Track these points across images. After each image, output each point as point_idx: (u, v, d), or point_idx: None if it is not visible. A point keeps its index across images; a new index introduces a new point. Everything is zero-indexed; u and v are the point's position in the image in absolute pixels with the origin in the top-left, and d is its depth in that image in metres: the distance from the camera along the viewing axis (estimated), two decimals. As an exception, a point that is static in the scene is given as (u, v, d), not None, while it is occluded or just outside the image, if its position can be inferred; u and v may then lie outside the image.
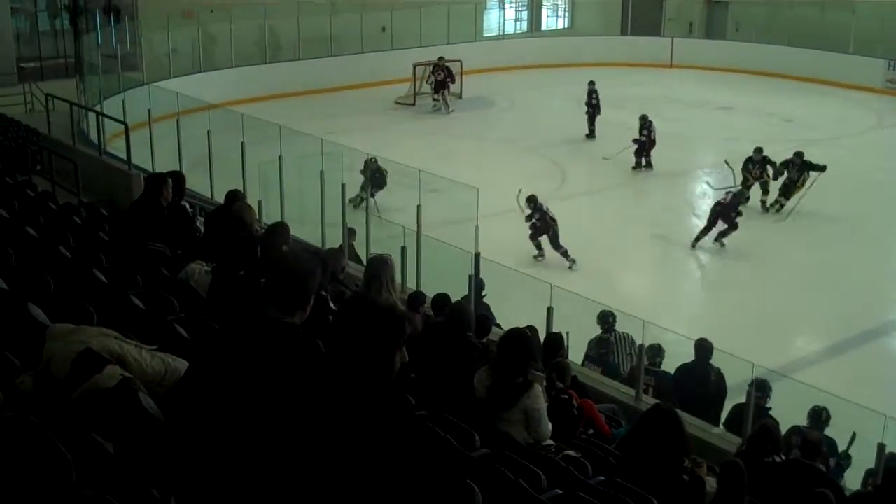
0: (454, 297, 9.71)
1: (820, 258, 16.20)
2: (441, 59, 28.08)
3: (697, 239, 16.99)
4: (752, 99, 28.88)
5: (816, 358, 13.17)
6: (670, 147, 23.35)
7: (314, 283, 3.85)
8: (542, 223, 16.16)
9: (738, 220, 16.74)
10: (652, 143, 21.74)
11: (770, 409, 9.55)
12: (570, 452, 6.39)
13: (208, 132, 15.47)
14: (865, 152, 23.73)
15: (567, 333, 9.84)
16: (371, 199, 15.67)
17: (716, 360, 10.37)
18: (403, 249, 11.98)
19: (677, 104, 28.75)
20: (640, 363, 10.08)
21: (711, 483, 6.28)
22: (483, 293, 11.74)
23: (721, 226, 16.82)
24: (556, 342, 9.16)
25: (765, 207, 18.76)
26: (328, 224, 14.04)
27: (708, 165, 22.93)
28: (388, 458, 3.10)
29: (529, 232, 16.22)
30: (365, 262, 11.25)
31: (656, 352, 10.74)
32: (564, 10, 40.22)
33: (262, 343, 3.58)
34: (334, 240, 13.26)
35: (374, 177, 16.32)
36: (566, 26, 39.89)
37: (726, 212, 16.75)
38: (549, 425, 6.42)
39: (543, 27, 39.87)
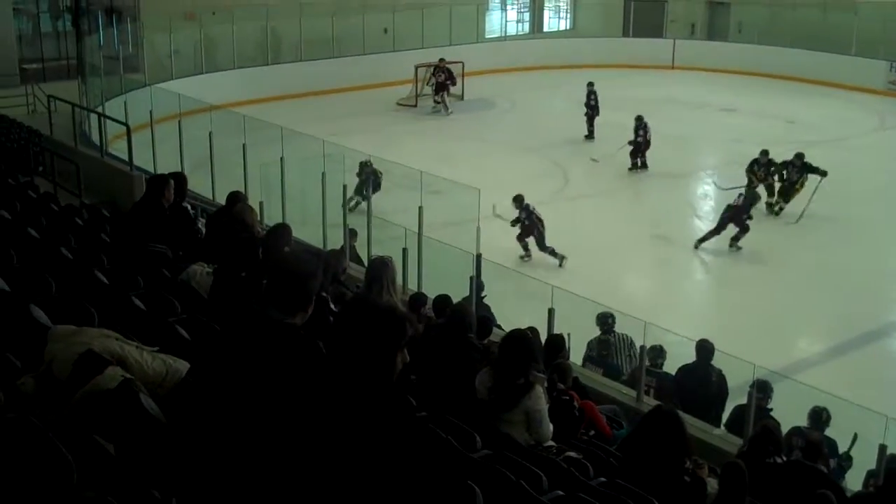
0: (455, 299, 9.72)
1: (821, 259, 16.19)
2: (442, 60, 28.08)
3: (703, 240, 16.95)
4: (754, 100, 28.86)
5: (818, 359, 13.16)
6: (673, 148, 23.38)
7: (315, 285, 3.85)
8: (529, 223, 16.12)
9: (749, 222, 16.69)
10: (647, 143, 21.72)
11: (771, 410, 9.54)
12: (572, 453, 6.39)
13: (210, 134, 15.48)
14: (868, 154, 23.72)
15: (568, 335, 9.85)
16: (364, 202, 15.50)
17: (717, 361, 10.36)
18: (405, 251, 11.98)
19: (679, 106, 28.74)
20: (641, 364, 10.08)
21: (713, 484, 6.27)
22: (483, 294, 11.74)
23: (732, 229, 16.77)
24: (557, 343, 9.17)
25: (771, 210, 18.70)
26: (329, 225, 14.05)
27: (710, 167, 22.95)
28: (389, 459, 3.10)
29: (517, 232, 16.16)
30: (366, 264, 11.24)
31: (657, 353, 10.74)
32: (566, 12, 40.22)
33: (264, 344, 3.58)
34: (336, 241, 13.27)
35: (369, 179, 16.16)
36: (568, 28, 39.89)
37: (738, 214, 16.70)
38: (551, 426, 6.42)
39: (545, 28, 39.87)
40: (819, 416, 9.24)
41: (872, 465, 8.50)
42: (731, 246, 16.77)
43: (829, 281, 15.55)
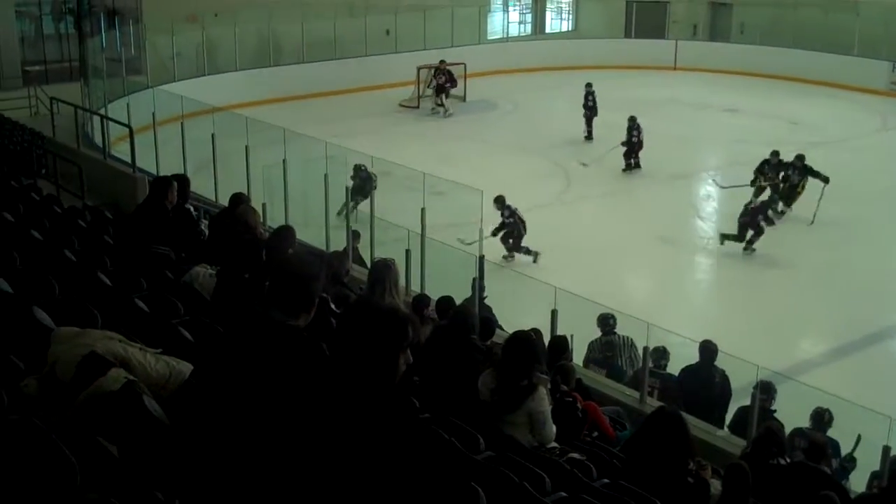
0: (458, 300, 9.72)
1: (824, 260, 16.18)
2: (442, 62, 28.09)
3: (726, 237, 16.90)
4: (757, 101, 28.84)
5: (821, 360, 13.15)
6: (675, 149, 23.39)
7: (318, 286, 3.85)
8: (512, 223, 16.08)
9: (765, 224, 16.65)
10: (640, 144, 21.69)
11: (775, 411, 9.54)
12: (575, 455, 6.38)
13: (212, 135, 15.49)
14: (870, 154, 23.70)
15: (571, 336, 9.84)
16: (361, 204, 15.39)
17: (720, 363, 10.37)
18: (408, 252, 11.98)
19: (682, 107, 28.74)
20: (644, 365, 10.07)
21: (716, 485, 6.27)
22: (484, 295, 11.74)
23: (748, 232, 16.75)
24: (560, 345, 9.16)
25: (774, 212, 18.61)
26: (332, 227, 14.08)
27: (713, 168, 22.93)
28: (393, 460, 3.10)
29: (501, 233, 16.08)
30: (369, 265, 11.25)
31: (661, 354, 10.74)
32: (568, 13, 40.20)
33: (266, 346, 3.58)
34: (338, 242, 13.27)
35: (365, 183, 16.05)
36: (570, 29, 39.87)
37: (754, 216, 16.66)
38: (554, 428, 6.42)
39: (547, 30, 39.86)
40: (821, 417, 9.24)
41: (876, 467, 8.49)
42: (745, 249, 16.71)
43: (832, 282, 15.55)
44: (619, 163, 21.72)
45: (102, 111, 19.32)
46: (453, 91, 28.34)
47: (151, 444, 3.57)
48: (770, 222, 16.71)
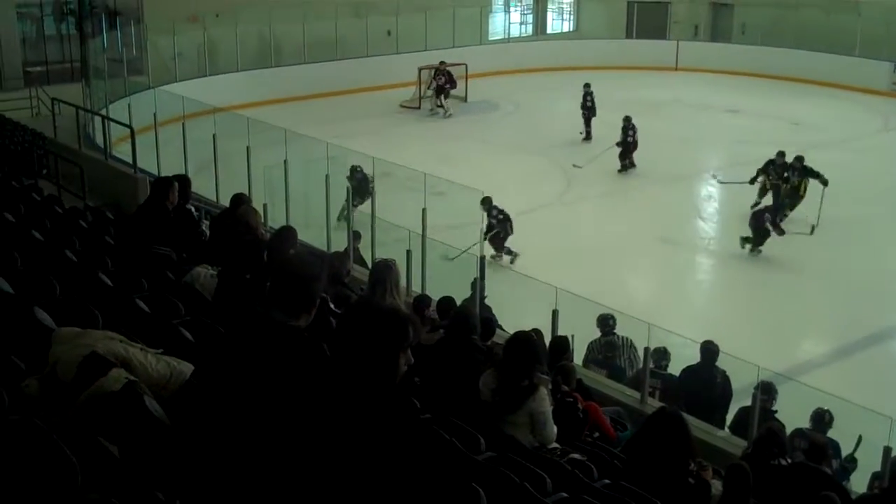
0: (459, 301, 9.73)
1: (825, 261, 16.16)
2: (442, 63, 28.09)
3: (747, 238, 16.77)
4: (758, 102, 28.84)
5: (822, 361, 13.14)
6: (677, 150, 23.41)
7: (319, 287, 3.85)
8: (500, 223, 15.99)
9: (771, 228, 16.54)
10: (635, 144, 21.66)
11: (776, 411, 9.54)
12: (576, 455, 6.38)
13: (214, 136, 15.50)
14: (872, 155, 23.69)
15: (572, 336, 9.84)
16: (357, 207, 15.18)
17: (721, 363, 10.37)
18: (409, 253, 11.99)
19: (683, 107, 28.75)
20: (645, 366, 10.07)
21: (717, 486, 6.27)
22: (484, 295, 11.74)
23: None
24: (561, 345, 9.16)
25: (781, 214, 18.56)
26: (333, 227, 14.09)
27: (714, 168, 22.92)
28: (393, 460, 3.10)
29: (490, 233, 15.86)
30: (370, 266, 11.25)
31: (661, 355, 10.73)
32: (569, 14, 40.20)
33: (267, 346, 3.58)
34: (339, 243, 13.28)
35: (361, 184, 15.88)
36: (571, 30, 39.86)
37: (759, 219, 16.62)
38: (555, 428, 6.42)
39: (549, 30, 39.87)
40: (821, 418, 9.24)
41: (877, 468, 8.49)
42: (752, 251, 16.63)
43: (833, 282, 15.54)
44: (616, 163, 21.70)
45: (104, 112, 19.33)
46: (454, 92, 28.35)
47: (152, 445, 3.57)
48: (780, 231, 16.59)
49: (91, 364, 4.17)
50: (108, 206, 12.07)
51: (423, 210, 12.49)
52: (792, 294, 15.42)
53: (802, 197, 18.16)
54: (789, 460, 7.30)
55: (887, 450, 8.25)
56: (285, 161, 14.20)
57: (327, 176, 13.82)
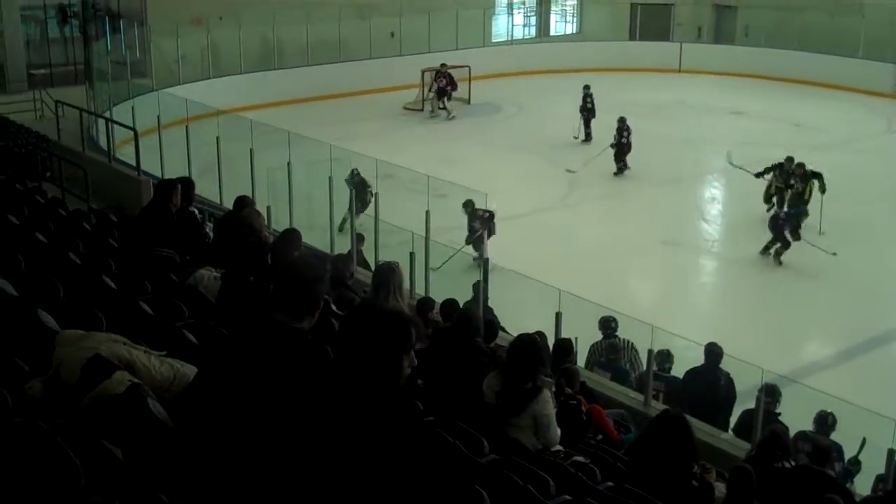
0: (461, 303, 9.73)
1: (829, 263, 16.13)
2: (443, 65, 28.08)
3: (779, 254, 16.49)
4: (762, 103, 28.80)
5: (826, 363, 13.13)
6: (680, 152, 23.39)
7: (322, 289, 3.85)
8: (483, 225, 15.69)
9: (790, 237, 16.41)
10: (629, 146, 21.54)
11: (779, 414, 9.53)
12: (579, 458, 6.38)
13: (217, 138, 15.50)
14: (875, 157, 23.66)
15: (575, 339, 9.84)
16: (359, 217, 15.07)
17: (725, 365, 10.36)
18: (412, 255, 11.98)
19: (687, 109, 28.73)
20: (648, 368, 10.06)
21: (720, 489, 6.27)
22: (486, 297, 11.73)
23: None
24: (565, 348, 9.16)
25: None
26: (336, 229, 14.10)
27: (717, 170, 22.91)
28: (397, 463, 3.10)
29: (475, 235, 15.67)
30: (373, 268, 11.26)
31: (664, 357, 10.72)
32: (573, 16, 40.18)
33: (271, 348, 3.58)
34: (343, 245, 13.28)
35: (359, 189, 15.66)
36: (575, 31, 39.84)
37: (779, 227, 16.49)
38: (558, 431, 6.42)
39: (552, 32, 39.84)
40: (825, 421, 9.23)
41: (880, 470, 8.49)
42: (775, 259, 16.47)
43: (836, 284, 15.52)
44: (611, 165, 21.65)
45: (107, 114, 19.31)
46: (457, 94, 28.34)
47: (156, 447, 3.58)
48: (797, 237, 16.45)
49: (95, 366, 4.18)
50: (111, 208, 12.07)
51: (427, 212, 12.50)
52: (795, 296, 15.41)
53: (808, 201, 18.06)
54: (793, 463, 7.29)
55: (891, 452, 8.25)
56: (288, 163, 14.22)
57: (330, 178, 13.82)
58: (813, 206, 17.60)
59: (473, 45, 32.58)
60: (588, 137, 24.30)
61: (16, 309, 5.26)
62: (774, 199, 18.34)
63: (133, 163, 14.42)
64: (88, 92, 22.65)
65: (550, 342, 9.26)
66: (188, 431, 3.62)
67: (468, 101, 29.02)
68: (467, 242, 15.18)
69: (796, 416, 9.39)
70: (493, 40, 36.45)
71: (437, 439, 5.32)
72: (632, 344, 11.13)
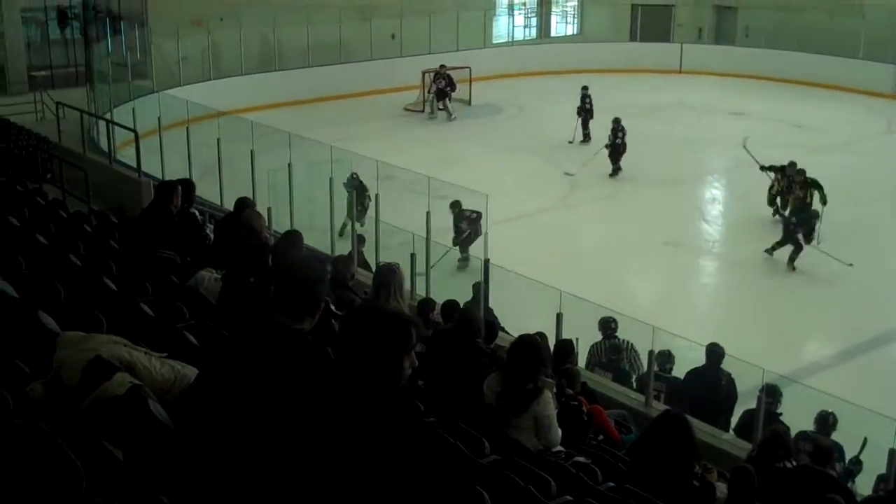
0: (462, 303, 9.73)
1: (830, 264, 16.12)
2: (442, 66, 28.07)
3: (792, 259, 16.37)
4: (763, 104, 28.78)
5: (827, 363, 13.13)
6: (681, 153, 23.37)
7: (323, 290, 3.85)
8: (470, 225, 15.64)
9: (801, 240, 16.31)
10: (624, 146, 21.48)
11: (781, 414, 9.53)
12: (580, 458, 6.38)
13: (218, 140, 15.51)
14: (876, 157, 23.64)
15: (576, 340, 9.84)
16: (359, 222, 15.12)
17: (726, 365, 10.36)
18: (413, 256, 11.99)
19: (687, 110, 28.73)
20: (649, 369, 10.06)
21: (722, 489, 6.27)
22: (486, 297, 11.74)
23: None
24: (566, 349, 9.16)
25: (780, 215, 18.44)
26: (337, 230, 14.10)
27: (718, 171, 22.93)
28: (398, 464, 3.10)
29: (462, 236, 15.61)
30: (374, 269, 11.26)
31: (665, 358, 10.72)
32: (573, 17, 40.19)
33: (272, 350, 3.58)
34: (344, 247, 13.28)
35: (359, 193, 15.57)
36: (575, 33, 39.86)
37: (793, 231, 16.40)
38: (559, 431, 6.42)
39: (552, 34, 39.85)
40: (826, 421, 9.23)
41: (882, 470, 8.48)
42: (788, 265, 16.34)
43: (837, 285, 15.51)
44: (607, 167, 21.61)
45: (108, 116, 19.33)
46: (458, 95, 28.34)
47: (156, 449, 3.58)
48: (810, 239, 16.32)
49: (95, 368, 4.18)
50: (112, 210, 12.07)
51: (427, 213, 12.51)
52: (796, 296, 15.41)
53: (810, 205, 17.96)
54: (794, 463, 7.29)
55: (892, 452, 8.25)
56: (289, 164, 14.22)
57: (331, 179, 13.83)
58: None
59: (474, 47, 32.58)
60: (586, 138, 24.27)
61: (16, 310, 5.26)
62: (778, 201, 18.33)
63: (134, 164, 14.42)
64: (89, 93, 22.66)
65: (551, 343, 9.27)
66: (189, 433, 3.62)
67: (469, 103, 29.03)
68: (454, 244, 15.05)
69: (797, 417, 9.39)
70: (494, 41, 36.46)
71: (438, 440, 5.32)
72: (632, 345, 11.14)
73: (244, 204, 9.19)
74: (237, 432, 3.36)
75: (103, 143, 17.57)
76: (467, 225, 15.56)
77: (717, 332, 11.72)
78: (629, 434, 8.41)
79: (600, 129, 23.19)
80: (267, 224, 10.09)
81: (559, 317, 10.44)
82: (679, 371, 10.82)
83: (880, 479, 8.55)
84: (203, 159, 15.99)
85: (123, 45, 25.10)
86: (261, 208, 10.14)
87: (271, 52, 29.25)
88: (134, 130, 15.18)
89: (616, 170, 21.61)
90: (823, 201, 17.34)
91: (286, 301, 3.71)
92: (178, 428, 3.70)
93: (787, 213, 17.83)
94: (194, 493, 3.33)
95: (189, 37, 26.65)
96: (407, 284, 9.79)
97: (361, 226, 14.93)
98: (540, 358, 6.44)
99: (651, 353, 10.06)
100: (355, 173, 15.73)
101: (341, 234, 14.59)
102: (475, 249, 12.06)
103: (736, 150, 20.83)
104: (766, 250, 16.57)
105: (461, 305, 9.45)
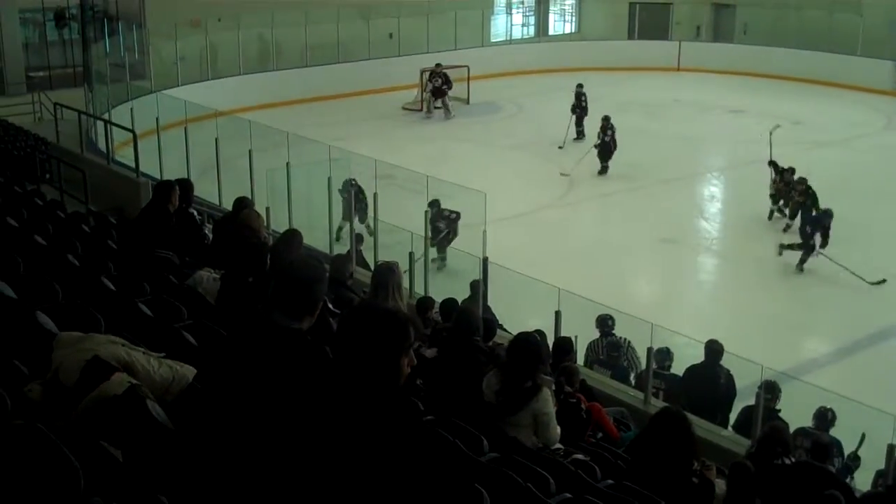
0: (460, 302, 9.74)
1: (828, 260, 16.13)
2: (438, 65, 28.06)
3: (802, 262, 16.16)
4: (761, 102, 28.77)
5: (825, 360, 13.15)
6: (679, 150, 23.38)
7: (322, 289, 3.86)
8: (448, 225, 15.46)
9: (816, 242, 16.07)
10: (614, 144, 21.44)
11: (779, 410, 9.54)
12: (579, 456, 6.39)
13: (216, 139, 15.50)
14: (875, 154, 23.66)
15: (575, 337, 9.85)
16: (356, 225, 14.86)
17: (725, 362, 10.37)
18: (411, 255, 11.99)
19: (686, 107, 28.74)
20: (648, 366, 10.07)
21: (721, 486, 6.27)
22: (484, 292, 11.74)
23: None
24: (564, 346, 9.16)
25: (780, 213, 18.41)
26: (336, 230, 14.09)
27: (717, 168, 22.93)
28: (396, 463, 3.10)
29: (440, 236, 15.25)
30: (372, 268, 11.27)
31: (664, 355, 10.73)
32: (571, 15, 40.20)
33: (270, 349, 3.59)
34: (342, 246, 13.28)
35: (357, 199, 15.32)
36: (573, 31, 39.88)
37: (810, 234, 16.22)
38: (558, 429, 6.42)
39: (551, 32, 39.87)
40: (824, 417, 9.24)
41: (880, 465, 8.49)
42: (797, 267, 16.16)
43: (836, 281, 15.51)
44: (615, 165, 21.58)
45: (106, 116, 19.33)
46: (455, 93, 28.33)
47: (155, 449, 3.58)
48: (826, 242, 16.00)
49: (94, 368, 4.18)
50: (110, 210, 12.06)
51: (426, 212, 12.51)
52: (795, 293, 15.42)
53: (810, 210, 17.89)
54: (793, 459, 7.30)
55: (891, 447, 8.25)
56: (287, 164, 14.22)
57: (329, 179, 13.83)
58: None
59: (472, 45, 32.62)
60: (580, 135, 24.23)
61: (15, 311, 5.26)
62: (781, 202, 18.30)
63: (132, 164, 14.43)
64: (87, 94, 22.66)
65: (550, 340, 9.27)
66: (187, 433, 3.62)
67: (467, 101, 29.03)
68: (432, 244, 14.85)
69: (796, 413, 9.39)
70: (492, 40, 36.47)
71: (437, 438, 5.32)
72: (629, 342, 11.14)
73: (243, 204, 9.19)
74: (236, 432, 3.36)
75: (101, 144, 17.57)
76: (445, 225, 15.44)
77: (715, 328, 11.73)
78: (628, 431, 8.41)
79: (594, 127, 23.19)
80: (265, 224, 10.08)
81: (558, 314, 10.44)
82: (678, 368, 10.83)
83: (879, 474, 8.56)
84: (201, 159, 15.99)
85: (121, 46, 25.12)
86: (259, 208, 10.14)
87: (269, 51, 29.26)
88: (132, 131, 15.18)
89: (604, 168, 21.54)
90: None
91: (285, 300, 3.71)
92: (177, 428, 3.70)
93: (787, 213, 17.87)
94: (193, 493, 3.33)
95: (187, 37, 26.67)
96: (406, 283, 9.78)
97: (364, 225, 14.88)
98: (539, 356, 6.44)
99: (650, 350, 10.06)
100: (354, 179, 15.50)
101: (338, 238, 14.54)
102: (474, 248, 12.03)
103: (735, 147, 20.90)
104: (782, 246, 16.48)
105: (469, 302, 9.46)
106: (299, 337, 3.66)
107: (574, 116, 24.39)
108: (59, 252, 7.77)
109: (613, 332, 11.34)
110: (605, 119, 21.55)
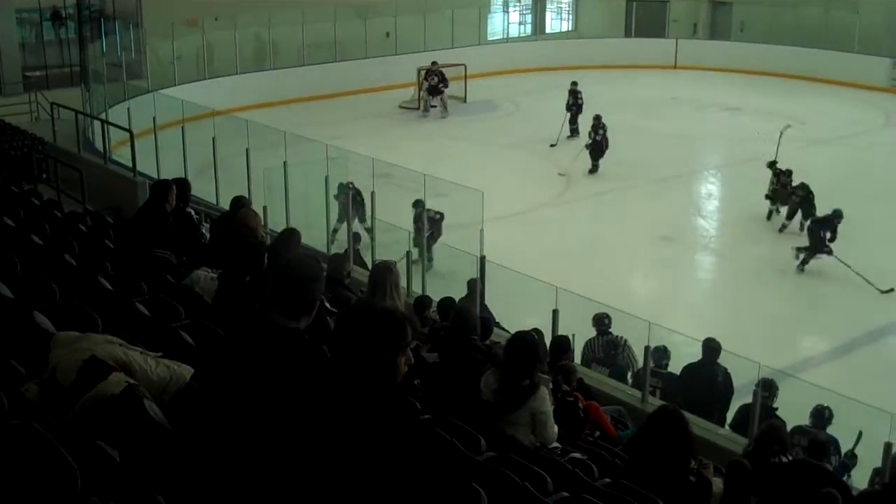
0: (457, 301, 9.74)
1: (827, 258, 16.14)
2: (434, 63, 28.05)
3: (804, 262, 16.05)
4: (758, 99, 28.80)
5: (823, 358, 13.16)
6: (676, 148, 23.38)
7: (319, 288, 3.86)
8: (433, 225, 15.32)
9: (828, 241, 15.92)
10: (606, 143, 21.35)
11: (776, 409, 9.55)
12: (577, 455, 6.39)
13: (213, 139, 15.50)
14: (873, 151, 23.67)
15: (573, 336, 9.85)
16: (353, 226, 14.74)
17: (722, 360, 10.38)
18: (408, 254, 11.99)
19: (683, 105, 28.73)
20: (646, 365, 10.07)
21: (718, 484, 6.28)
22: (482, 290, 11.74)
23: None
24: (562, 345, 9.18)
25: (778, 213, 18.40)
26: (333, 229, 14.08)
27: (714, 166, 22.94)
28: (394, 462, 3.11)
29: (426, 234, 14.93)
30: (370, 267, 11.26)
31: (662, 354, 10.73)
32: (568, 13, 40.20)
33: (267, 349, 3.59)
34: (340, 245, 13.27)
35: (356, 201, 15.03)
36: (570, 29, 39.87)
37: (819, 234, 16.07)
38: (556, 428, 6.42)
39: (547, 30, 39.85)
40: (821, 415, 9.25)
41: (877, 463, 8.50)
42: (798, 268, 16.09)
43: (833, 279, 15.52)
44: (611, 163, 21.53)
45: (103, 116, 19.33)
46: (453, 92, 28.31)
47: (152, 448, 3.58)
48: (833, 239, 15.87)
49: (91, 368, 4.18)
50: (107, 210, 12.06)
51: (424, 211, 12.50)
52: (792, 291, 15.43)
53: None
54: (790, 457, 7.30)
55: (888, 445, 8.26)
56: (285, 163, 14.21)
57: (327, 178, 13.82)
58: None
59: (469, 44, 32.60)
60: (574, 133, 24.21)
61: (11, 311, 5.26)
62: (778, 203, 18.29)
63: (129, 164, 14.41)
64: (84, 94, 22.62)
65: (547, 339, 9.27)
66: (185, 432, 3.62)
67: (464, 100, 29.02)
68: (415, 244, 14.74)
69: (793, 411, 9.41)
70: (489, 38, 36.47)
71: (435, 437, 5.32)
72: (625, 340, 11.15)
73: (240, 203, 9.19)
74: (234, 432, 3.36)
75: (98, 143, 17.58)
76: (429, 226, 15.38)
77: (713, 327, 11.74)
78: (625, 430, 8.41)
79: (589, 125, 23.20)
80: (263, 223, 10.08)
81: (555, 313, 10.44)
82: (675, 366, 10.83)
83: (876, 472, 8.56)
84: (198, 159, 15.98)
85: (118, 46, 25.09)
86: (256, 207, 10.13)
87: (266, 51, 29.25)
88: (129, 130, 15.16)
89: (595, 167, 21.49)
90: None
91: (282, 300, 3.71)
92: (174, 428, 3.70)
93: (784, 213, 17.88)
94: (191, 493, 3.33)
95: (183, 36, 26.66)
96: (403, 282, 9.78)
97: (363, 226, 14.84)
98: (536, 354, 6.45)
99: (647, 348, 10.06)
100: (351, 182, 15.31)
101: (332, 241, 14.50)
102: (471, 247, 12.02)
103: (732, 144, 20.91)
104: (800, 266, 16.22)
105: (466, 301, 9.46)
106: (297, 336, 3.66)
107: (568, 114, 24.39)
108: (56, 252, 7.77)
109: (611, 330, 11.34)
110: (597, 118, 21.51)
